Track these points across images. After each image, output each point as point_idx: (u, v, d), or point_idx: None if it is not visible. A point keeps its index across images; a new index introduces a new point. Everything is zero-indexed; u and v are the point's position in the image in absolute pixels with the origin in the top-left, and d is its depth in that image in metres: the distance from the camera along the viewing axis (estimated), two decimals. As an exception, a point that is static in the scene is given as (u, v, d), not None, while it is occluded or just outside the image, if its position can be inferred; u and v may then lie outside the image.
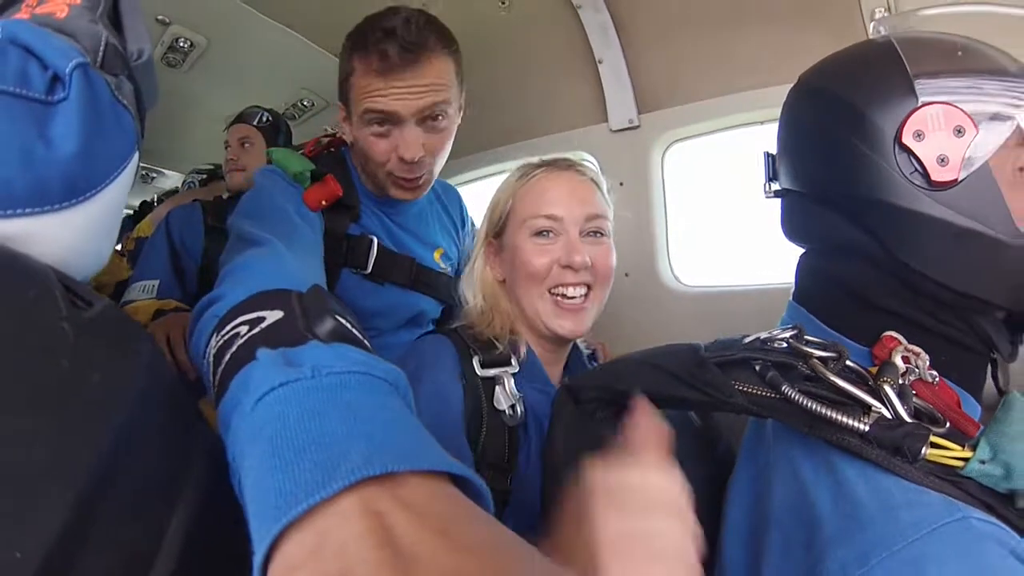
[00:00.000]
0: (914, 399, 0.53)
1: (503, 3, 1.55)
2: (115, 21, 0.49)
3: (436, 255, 1.20)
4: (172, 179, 2.85)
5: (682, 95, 1.61)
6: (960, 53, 0.57)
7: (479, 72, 1.80)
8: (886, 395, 0.52)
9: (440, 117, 0.96)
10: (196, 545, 0.32)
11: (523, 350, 0.85)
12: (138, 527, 0.30)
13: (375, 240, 1.07)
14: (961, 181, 0.54)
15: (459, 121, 1.05)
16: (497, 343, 0.84)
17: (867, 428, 0.50)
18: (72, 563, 0.26)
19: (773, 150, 0.73)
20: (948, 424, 0.52)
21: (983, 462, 0.48)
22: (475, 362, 0.80)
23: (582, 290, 0.85)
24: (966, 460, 0.49)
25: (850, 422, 0.51)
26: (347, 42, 0.97)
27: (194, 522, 0.32)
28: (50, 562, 0.24)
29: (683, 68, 1.59)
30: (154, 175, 2.89)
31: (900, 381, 0.53)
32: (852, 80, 0.61)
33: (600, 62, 1.62)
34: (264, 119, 1.92)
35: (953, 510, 0.45)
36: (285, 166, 1.00)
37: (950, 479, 0.49)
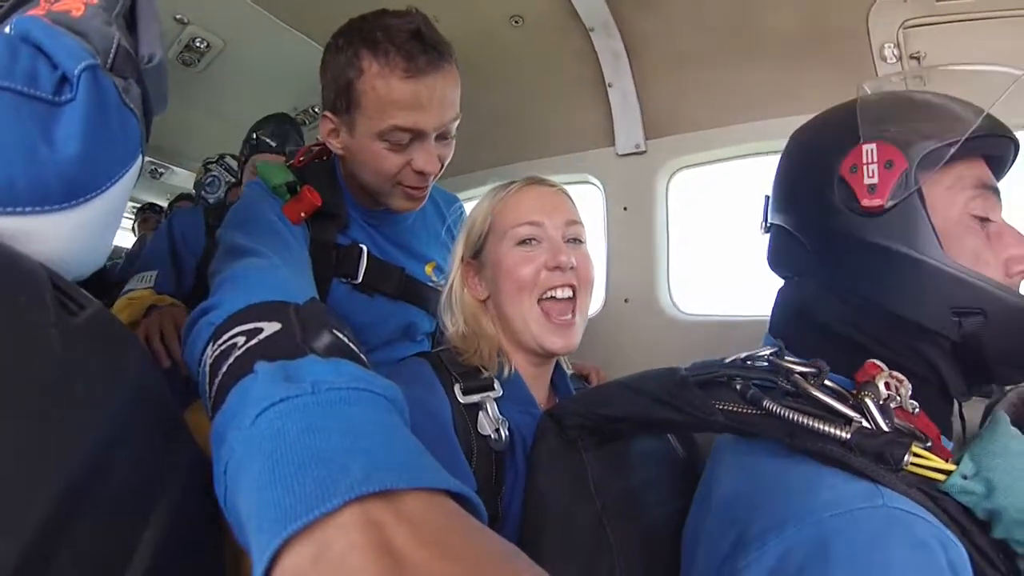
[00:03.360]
0: (896, 420, 0.54)
1: (515, 22, 1.57)
2: (130, 23, 0.50)
3: (428, 268, 1.17)
4: (180, 176, 2.86)
5: (689, 123, 1.62)
6: (911, 104, 0.66)
7: (488, 89, 1.80)
8: (867, 408, 0.53)
9: (449, 134, 0.95)
10: (167, 560, 0.32)
11: (507, 371, 0.84)
12: (111, 540, 0.30)
13: (364, 249, 1.04)
14: (890, 208, 0.61)
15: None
16: (484, 370, 0.82)
17: (848, 436, 0.51)
18: (43, 573, 0.25)
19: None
20: (929, 444, 0.53)
21: (965, 477, 0.49)
22: (456, 389, 0.79)
23: (568, 292, 0.85)
24: (947, 474, 0.50)
25: (832, 431, 0.52)
26: (349, 39, 0.87)
27: (167, 538, 0.32)
28: (20, 572, 0.24)
29: (691, 97, 1.60)
30: (162, 171, 2.91)
31: (881, 402, 0.55)
32: (819, 130, 0.72)
33: (610, 86, 1.63)
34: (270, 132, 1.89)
35: (875, 497, 0.47)
36: (266, 179, 0.98)
37: (931, 494, 0.49)
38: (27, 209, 0.35)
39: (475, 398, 0.79)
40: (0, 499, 0.24)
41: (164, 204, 3.06)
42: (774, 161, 1.48)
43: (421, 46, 0.83)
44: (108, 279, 1.96)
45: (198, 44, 1.87)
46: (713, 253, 1.95)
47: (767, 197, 0.78)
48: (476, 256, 0.91)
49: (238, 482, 0.32)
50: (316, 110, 2.16)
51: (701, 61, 1.54)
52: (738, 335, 1.54)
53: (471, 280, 0.91)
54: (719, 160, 1.66)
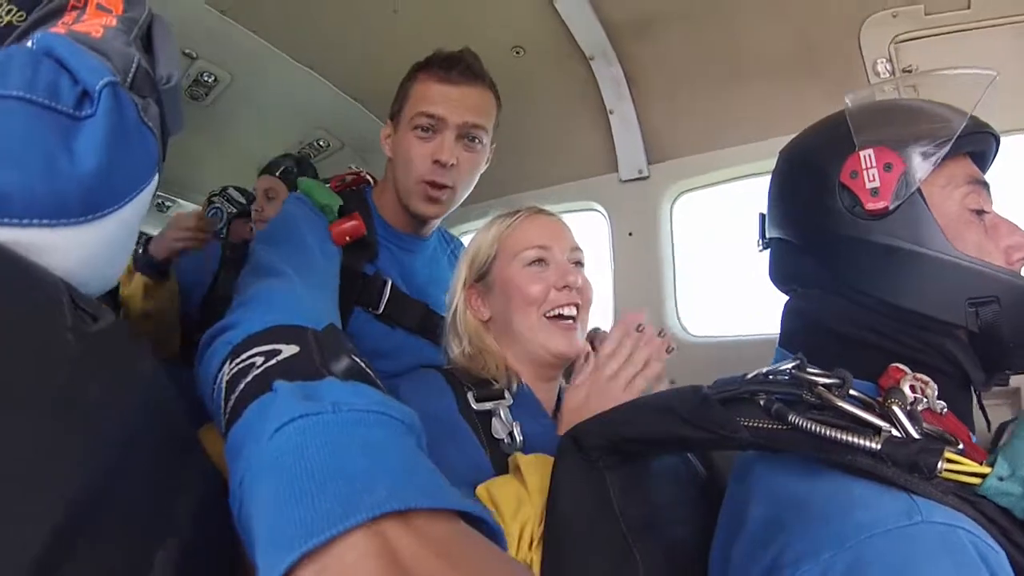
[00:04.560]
0: (924, 424, 0.54)
1: (517, 52, 1.60)
2: (147, 46, 0.51)
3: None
4: (187, 209, 2.88)
5: (691, 146, 1.65)
6: (898, 109, 0.69)
7: None
8: (895, 416, 0.53)
9: (476, 140, 1.05)
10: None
11: (515, 385, 0.88)
12: (123, 556, 0.28)
13: (389, 281, 1.09)
14: (894, 209, 0.63)
15: (485, 165, 1.12)
16: (495, 382, 0.86)
17: (879, 447, 0.50)
18: None
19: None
20: (961, 447, 0.52)
21: (1001, 479, 0.48)
22: (470, 397, 0.83)
23: (573, 310, 0.90)
24: (983, 477, 0.49)
25: (862, 442, 0.50)
26: (411, 70, 1.07)
27: (183, 558, 0.31)
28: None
29: (692, 120, 1.63)
30: (169, 204, 2.93)
31: (908, 408, 0.54)
32: (812, 142, 0.74)
33: (611, 113, 1.66)
34: (289, 169, 1.95)
35: (912, 514, 0.45)
36: (313, 196, 1.04)
37: (968, 499, 0.48)
38: (45, 221, 0.35)
39: (488, 405, 0.82)
40: (11, 497, 0.23)
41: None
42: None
43: (461, 65, 1.01)
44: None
45: (206, 78, 1.89)
46: (719, 274, 1.96)
47: (762, 215, 0.80)
48: (480, 279, 0.96)
49: (253, 496, 0.32)
50: (321, 143, 2.19)
51: (699, 85, 1.57)
52: (748, 355, 1.50)
53: (474, 302, 0.96)
54: (721, 182, 1.68)
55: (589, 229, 1.86)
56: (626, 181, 1.72)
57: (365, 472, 0.31)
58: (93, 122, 0.38)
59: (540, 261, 0.92)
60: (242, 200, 2.00)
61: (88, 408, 0.28)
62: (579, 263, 0.96)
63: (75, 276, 0.37)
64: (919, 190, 0.63)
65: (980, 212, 0.63)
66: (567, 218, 1.00)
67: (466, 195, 1.12)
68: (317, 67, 1.84)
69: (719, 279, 1.97)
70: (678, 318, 1.72)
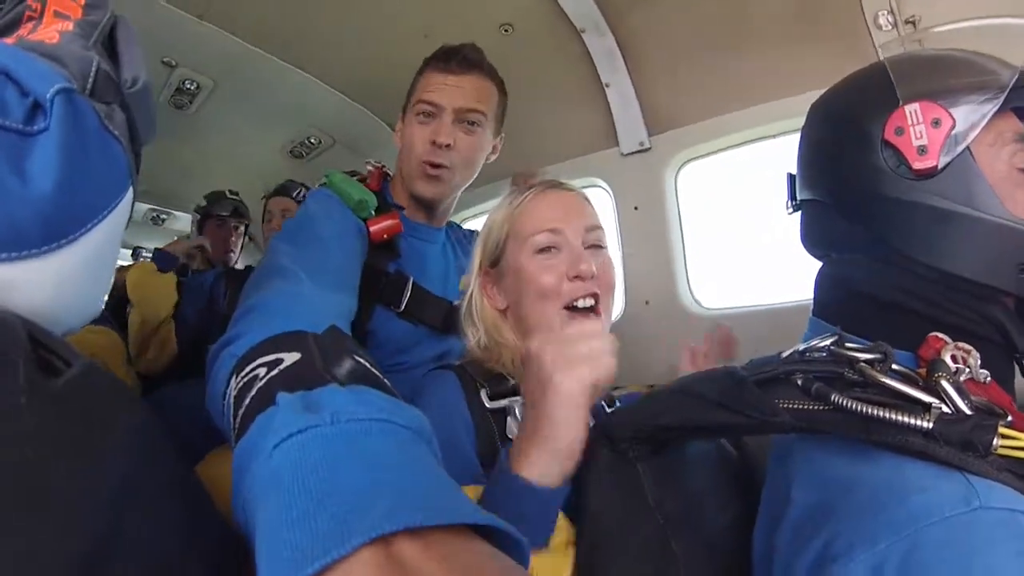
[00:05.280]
0: (972, 398, 0.51)
1: (505, 30, 1.55)
2: (111, 50, 0.46)
3: (463, 282, 1.22)
4: (183, 220, 2.85)
5: (691, 114, 1.61)
6: (942, 61, 0.64)
7: None
8: (944, 391, 0.50)
9: (474, 124, 1.10)
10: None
11: None
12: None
13: (411, 279, 1.11)
14: (943, 169, 0.59)
15: (490, 149, 1.17)
16: (510, 378, 0.82)
17: (931, 425, 0.47)
18: None
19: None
20: (1010, 419, 0.50)
21: None
22: (483, 395, 0.79)
23: (590, 301, 0.84)
24: None
25: (912, 421, 0.48)
26: (422, 64, 1.15)
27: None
28: None
29: (690, 88, 1.58)
30: (164, 217, 2.90)
31: (954, 378, 0.52)
32: (850, 97, 0.69)
33: (607, 86, 1.61)
34: (301, 194, 2.06)
35: (970, 499, 0.43)
36: (344, 193, 1.05)
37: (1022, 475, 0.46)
38: (1, 256, 0.31)
39: (503, 403, 0.78)
40: None
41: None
42: (781, 143, 1.50)
43: (459, 56, 1.08)
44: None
45: (188, 86, 1.85)
46: (732, 243, 1.92)
47: (791, 175, 0.75)
48: (494, 265, 0.90)
49: (255, 517, 0.31)
50: (312, 141, 2.16)
51: (696, 51, 1.53)
52: (763, 324, 1.52)
53: (490, 290, 0.91)
54: (725, 148, 1.64)
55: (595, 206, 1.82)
56: (627, 154, 1.68)
57: (366, 488, 0.29)
58: (46, 137, 0.34)
59: (551, 248, 0.85)
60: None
61: (58, 495, 0.24)
62: (597, 245, 0.88)
63: (43, 315, 0.34)
64: (968, 148, 0.59)
65: None
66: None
67: (468, 179, 1.16)
68: (302, 64, 1.79)
69: (732, 248, 1.93)
70: (690, 291, 1.69)
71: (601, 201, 1.78)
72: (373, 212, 1.06)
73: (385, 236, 1.05)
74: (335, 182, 1.07)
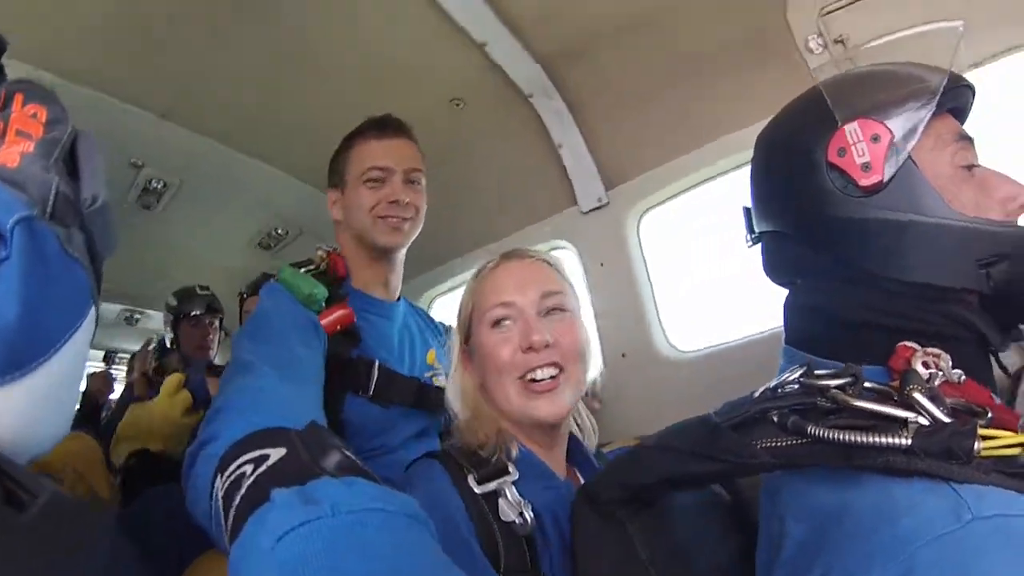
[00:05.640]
0: (947, 400, 0.51)
1: (457, 104, 1.61)
2: (72, 165, 0.47)
3: (430, 356, 1.25)
4: (156, 319, 2.81)
5: (645, 163, 1.66)
6: (873, 77, 0.67)
7: (441, 177, 1.83)
8: (918, 403, 0.49)
9: (417, 183, 1.20)
10: None
11: (515, 451, 0.81)
12: None
13: (376, 363, 1.11)
14: (889, 181, 0.60)
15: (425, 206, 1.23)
16: (482, 451, 0.80)
17: (910, 441, 0.47)
18: None
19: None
20: (990, 416, 0.50)
21: None
22: (471, 480, 0.76)
23: (552, 371, 0.82)
24: (1021, 446, 0.47)
25: (891, 440, 0.47)
26: (343, 140, 1.23)
27: None
28: None
29: (641, 137, 1.64)
30: (138, 316, 2.88)
31: (927, 386, 0.52)
32: (791, 124, 0.71)
33: (560, 147, 1.67)
34: None
35: (961, 513, 0.42)
36: (295, 288, 1.05)
37: (1010, 472, 0.46)
38: None
39: (491, 486, 0.75)
40: None
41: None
42: (736, 176, 1.55)
43: (393, 123, 1.19)
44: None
45: (155, 185, 1.87)
46: (705, 280, 1.98)
47: (746, 209, 0.77)
48: (468, 340, 0.91)
49: None
50: (279, 231, 2.18)
51: (641, 100, 1.59)
52: (744, 357, 1.52)
53: (467, 365, 0.91)
54: (683, 191, 1.68)
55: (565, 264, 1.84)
56: (588, 212, 1.72)
57: None
58: (7, 266, 0.35)
59: (503, 321, 0.84)
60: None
61: None
62: (557, 308, 0.85)
63: (9, 443, 0.34)
64: (910, 157, 0.61)
65: (970, 167, 0.62)
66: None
67: (416, 233, 1.22)
68: (266, 158, 1.84)
69: (705, 285, 1.98)
70: (665, 337, 1.69)
71: (569, 262, 1.79)
72: (324, 304, 1.06)
73: (339, 327, 1.06)
74: (285, 278, 1.08)
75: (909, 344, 0.58)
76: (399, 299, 1.26)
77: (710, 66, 1.47)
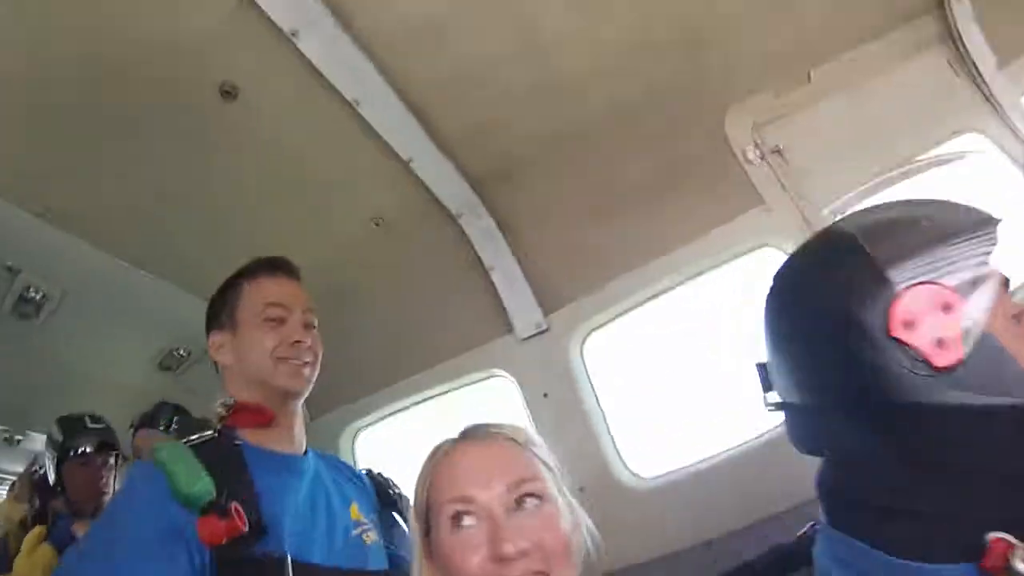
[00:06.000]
0: None
1: (376, 223, 1.50)
2: None
3: (353, 510, 1.13)
4: (38, 440, 2.48)
5: (585, 285, 1.57)
6: (918, 225, 0.57)
7: (363, 306, 1.73)
8: None
9: (312, 327, 1.13)
10: None
11: None
12: None
13: (287, 558, 0.92)
14: (966, 359, 0.51)
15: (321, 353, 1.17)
16: None
17: None
18: None
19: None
20: None
21: None
22: None
23: None
24: None
25: None
26: (228, 280, 1.15)
27: None
28: None
29: (579, 258, 1.57)
30: (19, 437, 2.52)
31: None
32: (826, 282, 0.60)
33: (491, 269, 1.56)
34: (171, 421, 1.78)
35: None
36: (172, 478, 0.88)
37: None
38: None
39: None
40: None
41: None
42: (678, 295, 1.48)
43: (285, 265, 1.15)
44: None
45: (32, 294, 1.67)
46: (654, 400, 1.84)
47: (761, 366, 0.68)
48: (427, 534, 0.76)
49: None
50: (181, 352, 1.99)
51: (577, 221, 1.54)
52: (709, 480, 1.44)
53: (429, 563, 0.76)
54: (627, 311, 1.60)
55: (499, 394, 1.69)
56: (526, 338, 1.59)
57: None
58: None
59: (465, 518, 0.71)
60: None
61: None
62: (531, 496, 0.72)
63: None
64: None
65: (1019, 316, 0.55)
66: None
67: (314, 381, 1.13)
68: (164, 272, 1.67)
69: (663, 404, 1.84)
70: (624, 464, 1.56)
71: (508, 393, 1.66)
72: (211, 502, 0.87)
73: (224, 540, 0.86)
74: (163, 460, 0.90)
75: (1003, 537, 0.49)
76: (306, 452, 1.12)
77: (646, 185, 1.45)
